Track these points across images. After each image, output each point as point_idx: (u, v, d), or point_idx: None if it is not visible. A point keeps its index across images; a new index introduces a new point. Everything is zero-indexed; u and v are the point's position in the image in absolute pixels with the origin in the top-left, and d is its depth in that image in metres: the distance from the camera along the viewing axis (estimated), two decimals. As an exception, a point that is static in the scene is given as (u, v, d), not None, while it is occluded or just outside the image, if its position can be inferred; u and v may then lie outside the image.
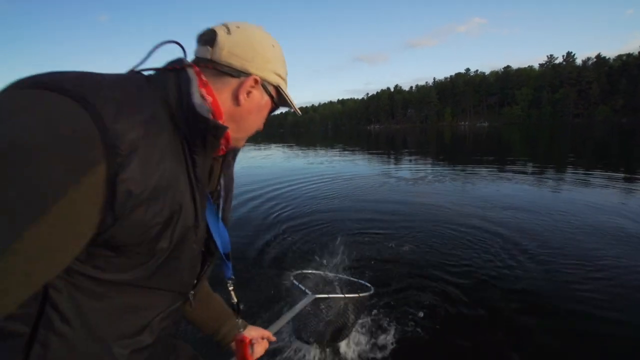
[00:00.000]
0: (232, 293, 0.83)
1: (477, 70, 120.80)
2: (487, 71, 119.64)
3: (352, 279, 2.20)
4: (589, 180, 6.81)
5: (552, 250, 3.34)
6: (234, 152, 0.77)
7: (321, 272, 2.26)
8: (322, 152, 17.20)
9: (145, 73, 0.58)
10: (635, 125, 40.39)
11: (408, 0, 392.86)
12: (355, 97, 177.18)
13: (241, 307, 0.86)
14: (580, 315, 2.32)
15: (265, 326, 1.04)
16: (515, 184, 6.83)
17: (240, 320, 0.90)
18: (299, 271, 2.17)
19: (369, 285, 2.07)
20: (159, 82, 0.56)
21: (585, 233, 3.78)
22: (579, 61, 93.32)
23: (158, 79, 0.57)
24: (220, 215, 0.73)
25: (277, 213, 5.03)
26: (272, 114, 0.75)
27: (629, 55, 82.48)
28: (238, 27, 0.63)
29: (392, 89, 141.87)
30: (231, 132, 0.65)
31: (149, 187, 0.48)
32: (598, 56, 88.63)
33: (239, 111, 0.65)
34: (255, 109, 0.67)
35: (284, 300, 2.58)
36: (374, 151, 17.08)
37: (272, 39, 0.68)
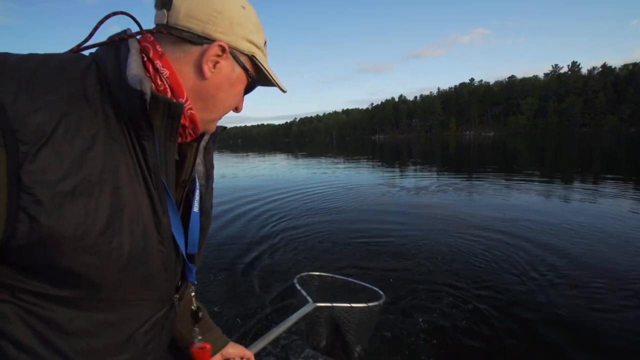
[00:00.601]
0: (193, 299, 0.74)
1: (481, 80, 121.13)
2: (492, 81, 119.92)
3: (363, 283, 1.95)
4: (599, 190, 6.69)
5: (567, 260, 3.26)
6: (213, 136, 0.68)
7: (329, 275, 2.03)
8: (326, 161, 17.23)
9: (87, 52, 0.51)
10: (643, 134, 39.86)
11: (413, 12, 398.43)
12: (360, 107, 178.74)
13: (200, 315, 0.76)
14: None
15: (259, 335, 0.97)
16: (524, 193, 6.73)
17: (197, 329, 0.78)
18: (304, 273, 1.98)
19: (380, 292, 1.84)
20: (99, 59, 0.49)
21: (603, 243, 3.69)
22: (584, 71, 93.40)
23: (99, 55, 0.49)
24: (198, 206, 0.65)
25: (285, 220, 5.01)
26: (251, 91, 0.66)
27: (635, 64, 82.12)
28: None
29: (396, 99, 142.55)
30: (197, 112, 0.57)
31: (72, 181, 0.41)
32: (604, 65, 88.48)
33: (205, 86, 0.55)
34: (226, 83, 0.57)
35: (286, 304, 2.53)
36: (379, 161, 17.05)
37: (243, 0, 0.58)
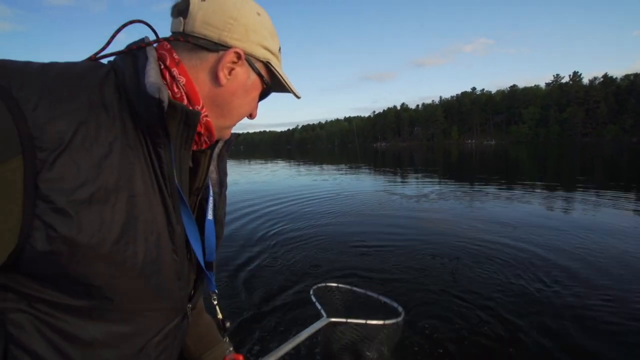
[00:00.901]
0: (217, 308, 0.73)
1: (483, 89, 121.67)
2: (494, 90, 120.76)
3: (382, 298, 1.85)
4: (601, 200, 6.65)
5: (571, 269, 3.23)
6: (227, 144, 0.67)
7: (347, 286, 1.93)
8: (328, 168, 17.24)
9: (105, 60, 0.51)
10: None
11: (416, 21, 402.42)
12: (362, 115, 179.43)
13: (228, 324, 0.73)
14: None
15: (267, 350, 0.94)
16: (525, 202, 6.70)
17: (227, 340, 0.78)
18: (322, 284, 1.89)
19: (399, 309, 1.72)
20: (118, 67, 0.49)
21: (607, 254, 3.66)
22: (585, 81, 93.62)
23: (117, 64, 0.50)
24: (212, 214, 0.65)
25: (285, 227, 5.00)
26: (265, 97, 0.65)
27: (636, 75, 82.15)
28: None
29: (398, 107, 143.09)
30: (213, 119, 0.56)
31: (89, 188, 0.40)
32: (605, 76, 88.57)
33: (221, 93, 0.55)
34: (241, 89, 0.57)
35: (296, 315, 2.48)
36: (381, 169, 17.05)
37: (258, 6, 0.58)
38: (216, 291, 0.70)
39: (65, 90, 0.41)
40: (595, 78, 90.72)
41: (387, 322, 1.61)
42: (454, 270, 3.31)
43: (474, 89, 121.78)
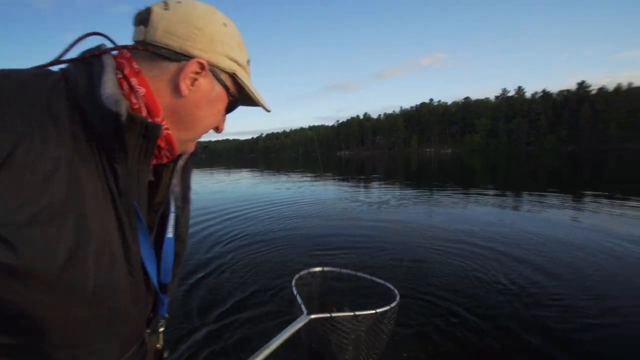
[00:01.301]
0: (161, 336, 0.63)
1: (439, 101, 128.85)
2: (450, 101, 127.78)
3: (374, 278, 1.72)
4: (544, 202, 7.26)
5: (522, 263, 3.46)
6: (192, 156, 0.64)
7: (334, 269, 1.78)
8: (292, 176, 17.18)
9: (56, 68, 0.48)
10: (579, 152, 44.59)
11: (379, 35, 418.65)
12: (327, 124, 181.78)
13: (165, 355, 0.65)
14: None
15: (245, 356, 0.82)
16: (480, 205, 7.13)
17: None
18: (304, 271, 1.71)
19: (395, 291, 1.60)
20: (69, 76, 0.45)
21: (553, 247, 3.97)
22: (528, 94, 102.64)
23: (69, 72, 0.46)
24: (173, 231, 0.61)
25: (244, 236, 4.87)
26: (232, 110, 0.62)
27: (568, 91, 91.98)
28: (179, 2, 0.53)
29: (361, 117, 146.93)
30: (175, 132, 0.54)
31: (31, 208, 0.36)
32: (544, 91, 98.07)
33: (182, 104, 0.53)
34: (204, 101, 0.55)
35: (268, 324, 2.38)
36: (345, 177, 17.30)
37: (225, 17, 0.57)
38: (166, 316, 0.63)
39: (4, 99, 0.39)
40: (536, 93, 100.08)
41: (379, 310, 1.45)
42: (414, 271, 3.40)
43: (431, 100, 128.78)
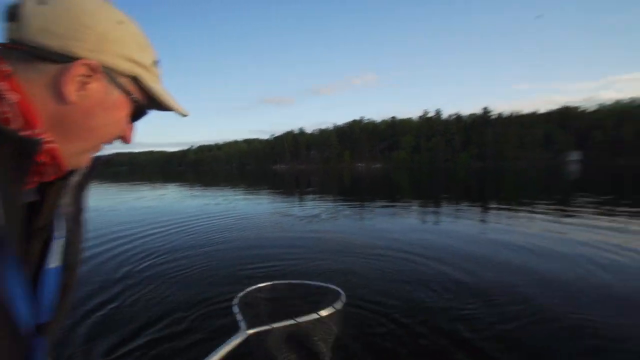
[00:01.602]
0: None
1: (370, 119, 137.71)
2: (379, 119, 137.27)
3: (316, 283, 1.72)
4: (459, 213, 8.09)
5: (445, 267, 3.73)
6: (90, 170, 0.56)
7: (269, 283, 1.74)
8: (224, 191, 16.49)
9: None
10: (486, 169, 51.26)
11: (313, 52, 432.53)
12: (262, 137, 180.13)
13: None
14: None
15: None
16: (404, 218, 7.64)
17: None
18: (245, 290, 1.65)
19: (340, 292, 1.56)
20: None
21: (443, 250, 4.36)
22: (445, 116, 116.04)
23: None
24: (61, 259, 0.52)
25: (169, 253, 4.43)
26: (141, 117, 0.56)
27: (476, 115, 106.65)
28: None
29: (296, 131, 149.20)
30: (61, 145, 0.46)
31: None
32: (457, 114, 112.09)
33: (70, 112, 0.45)
34: (99, 108, 0.48)
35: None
36: (279, 191, 17.18)
37: (121, 13, 0.50)
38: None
39: None
40: (450, 115, 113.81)
41: (323, 313, 1.40)
42: (347, 281, 3.43)
43: (362, 117, 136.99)
